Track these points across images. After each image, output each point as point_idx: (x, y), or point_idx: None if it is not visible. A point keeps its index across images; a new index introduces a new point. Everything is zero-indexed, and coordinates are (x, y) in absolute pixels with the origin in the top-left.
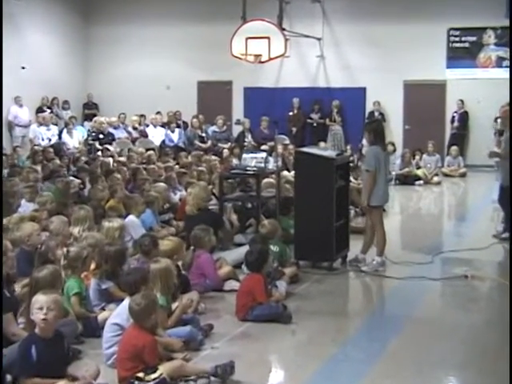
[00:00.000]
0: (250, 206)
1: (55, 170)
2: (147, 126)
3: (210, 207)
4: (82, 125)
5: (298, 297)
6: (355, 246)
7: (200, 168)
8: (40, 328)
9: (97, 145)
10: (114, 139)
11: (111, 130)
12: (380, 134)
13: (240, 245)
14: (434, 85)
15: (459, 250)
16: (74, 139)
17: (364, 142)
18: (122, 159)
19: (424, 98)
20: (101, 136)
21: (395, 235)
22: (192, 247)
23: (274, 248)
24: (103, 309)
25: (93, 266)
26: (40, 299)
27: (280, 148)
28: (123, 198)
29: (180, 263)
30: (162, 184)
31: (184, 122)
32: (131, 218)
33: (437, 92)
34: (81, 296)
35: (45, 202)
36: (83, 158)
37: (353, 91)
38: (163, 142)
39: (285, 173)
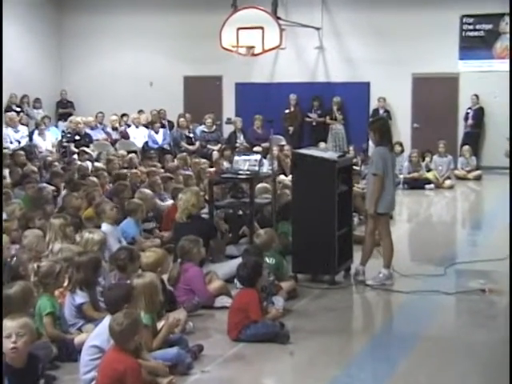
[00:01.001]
0: (242, 213)
1: (25, 175)
2: (128, 126)
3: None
4: (56, 125)
5: (296, 314)
6: (360, 257)
7: (187, 172)
8: (10, 358)
9: (72, 147)
10: (91, 141)
11: (88, 130)
12: (386, 133)
13: (232, 257)
14: (445, 78)
15: (475, 261)
16: (47, 141)
17: (370, 142)
18: (101, 164)
19: (434, 93)
20: (77, 137)
21: (403, 245)
22: (179, 260)
23: (269, 260)
24: (80, 329)
25: (67, 282)
26: (8, 326)
27: (275, 149)
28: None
29: (166, 277)
30: (146, 190)
31: (169, 122)
32: (106, 225)
33: (449, 86)
34: (54, 316)
35: (13, 210)
36: (57, 164)
37: (355, 86)
38: (146, 143)
39: (281, 177)
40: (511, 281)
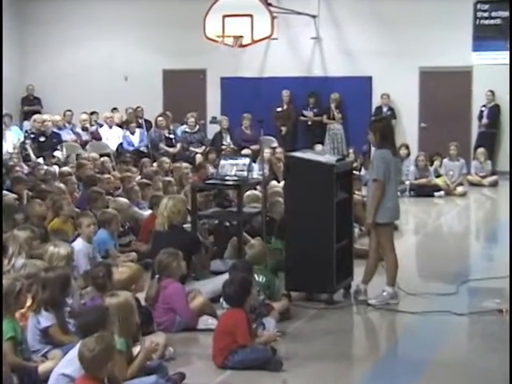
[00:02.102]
0: (229, 224)
1: None
2: (100, 125)
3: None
4: (21, 125)
5: (290, 337)
6: (361, 274)
7: (167, 178)
8: None
9: (32, 150)
10: (59, 142)
11: (55, 130)
12: (388, 134)
13: (217, 273)
14: (457, 72)
15: (490, 278)
16: (8, 142)
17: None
18: (69, 168)
19: (445, 89)
20: (42, 139)
21: (410, 260)
22: (157, 276)
23: (259, 278)
24: (45, 356)
25: (30, 301)
26: None
27: (266, 152)
28: (70, 216)
29: (142, 296)
30: (122, 199)
31: (147, 121)
32: (80, 241)
33: (461, 81)
34: (16, 341)
35: None
36: (19, 168)
37: (356, 81)
38: (121, 145)
39: (273, 183)
40: (511, 287)
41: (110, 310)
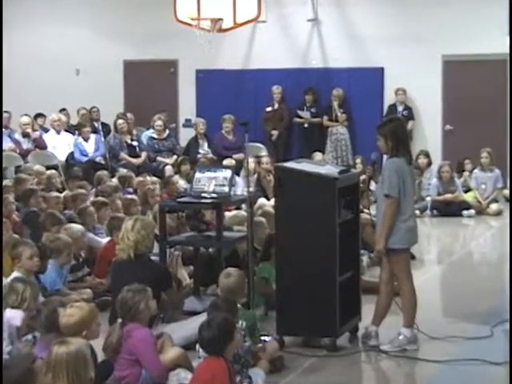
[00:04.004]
0: (207, 252)
1: None
2: (46, 131)
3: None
4: None
5: None
6: (371, 313)
7: (129, 196)
8: None
9: None
10: None
11: None
12: (402, 138)
13: (192, 313)
14: (489, 62)
15: None
16: None
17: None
18: (7, 182)
19: (475, 83)
20: None
21: (432, 295)
22: (119, 319)
23: (240, 323)
24: None
25: None
26: None
27: (253, 163)
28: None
29: (98, 344)
30: (75, 225)
31: (104, 125)
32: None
33: (494, 73)
34: None
35: None
36: None
37: (364, 74)
38: (71, 155)
39: (261, 201)
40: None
41: (57, 360)
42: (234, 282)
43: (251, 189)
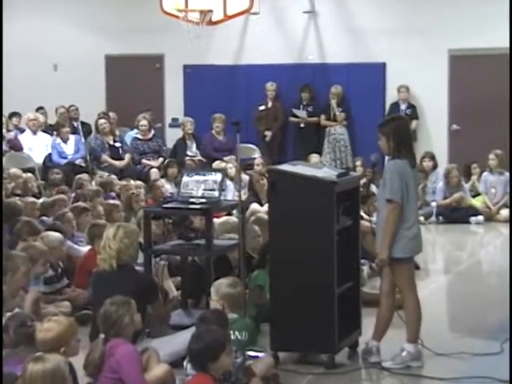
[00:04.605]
0: (194, 261)
1: None
2: (21, 131)
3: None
4: None
5: None
6: (372, 327)
7: (111, 201)
8: None
9: None
10: None
11: None
12: (405, 138)
13: (180, 327)
14: (499, 56)
15: None
16: None
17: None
18: None
19: (483, 80)
20: None
21: (437, 308)
22: (101, 335)
23: (239, 335)
24: None
25: None
26: None
27: (245, 165)
28: None
29: (77, 361)
30: (53, 233)
31: (84, 125)
32: None
33: (505, 69)
34: None
35: None
36: None
37: (364, 70)
38: (49, 157)
39: (254, 207)
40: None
41: (32, 378)
42: (240, 293)
43: (243, 193)
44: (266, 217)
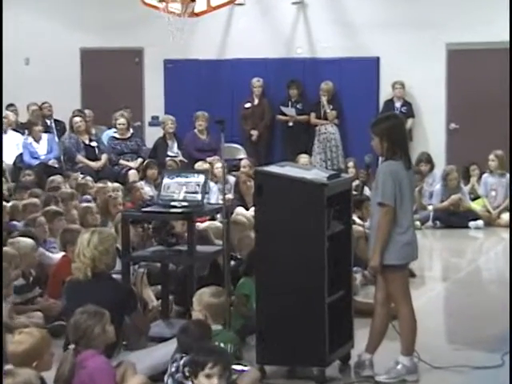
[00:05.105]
0: (176, 269)
1: None
2: None
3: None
4: None
5: None
6: (365, 339)
7: (86, 204)
8: None
9: None
10: None
11: None
12: (401, 139)
13: (160, 339)
14: (501, 51)
15: None
16: None
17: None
18: None
19: (484, 75)
20: None
21: (434, 318)
22: (72, 345)
23: (228, 347)
24: None
25: None
26: None
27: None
28: None
29: (50, 376)
30: (23, 239)
31: (58, 122)
32: None
33: (506, 64)
34: None
35: None
36: None
37: (357, 65)
38: (20, 158)
39: (239, 211)
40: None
41: None
42: (224, 303)
43: (228, 196)
44: (243, 219)
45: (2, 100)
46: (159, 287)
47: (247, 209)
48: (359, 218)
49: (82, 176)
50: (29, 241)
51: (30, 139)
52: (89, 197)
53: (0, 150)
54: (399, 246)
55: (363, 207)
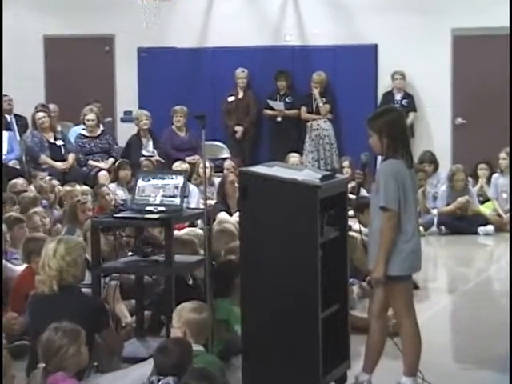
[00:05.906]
0: (152, 281)
1: None
2: None
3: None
4: None
5: None
6: (362, 357)
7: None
8: None
9: None
10: None
11: None
12: (401, 136)
13: (135, 360)
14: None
15: None
16: None
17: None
18: None
19: (493, 65)
20: None
21: (440, 335)
22: (41, 365)
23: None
24: None
25: None
26: None
27: (211, 167)
28: None
29: None
30: None
31: (18, 118)
32: None
33: None
34: None
35: None
36: None
37: (352, 53)
38: None
39: (222, 216)
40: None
41: None
42: (206, 319)
43: (210, 202)
44: (235, 227)
45: (1, 99)
46: (133, 302)
47: (230, 214)
48: (361, 224)
49: (49, 177)
50: None
51: None
52: (45, 202)
53: (0, 151)
54: (404, 255)
55: (366, 212)
